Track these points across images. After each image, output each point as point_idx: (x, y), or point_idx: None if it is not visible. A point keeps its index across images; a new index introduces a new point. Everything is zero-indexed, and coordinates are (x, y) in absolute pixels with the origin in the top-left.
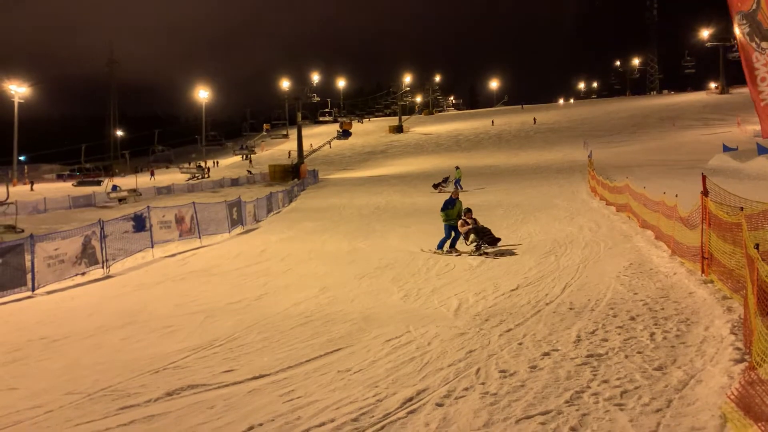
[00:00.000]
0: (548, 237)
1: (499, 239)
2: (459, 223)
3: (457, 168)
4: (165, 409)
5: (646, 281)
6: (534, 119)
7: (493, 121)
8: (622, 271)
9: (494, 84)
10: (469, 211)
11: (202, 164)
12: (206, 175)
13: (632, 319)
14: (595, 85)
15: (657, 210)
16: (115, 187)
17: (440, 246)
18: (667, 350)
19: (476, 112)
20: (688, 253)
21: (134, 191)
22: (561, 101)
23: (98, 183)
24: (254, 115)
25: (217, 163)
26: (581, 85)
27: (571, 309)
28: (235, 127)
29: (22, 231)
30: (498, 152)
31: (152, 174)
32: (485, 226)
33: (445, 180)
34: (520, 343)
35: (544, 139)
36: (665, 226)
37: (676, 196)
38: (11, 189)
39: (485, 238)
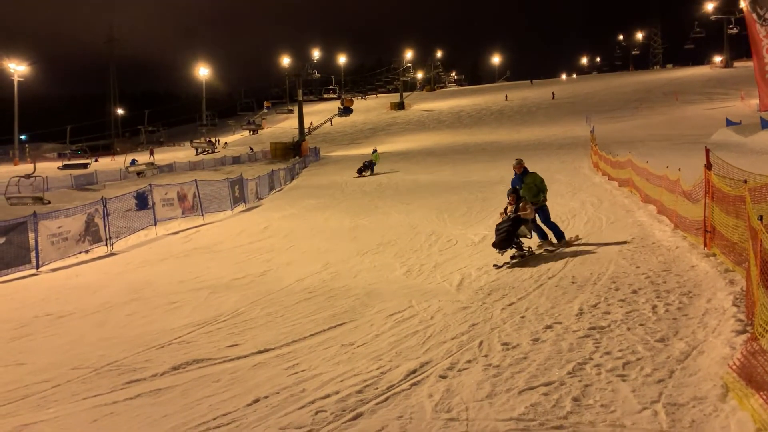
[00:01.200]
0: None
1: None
2: (520, 207)
3: (375, 151)
4: (171, 383)
5: (648, 255)
6: (552, 93)
7: (507, 96)
8: (624, 246)
9: (496, 59)
10: (510, 192)
11: (213, 139)
12: (216, 150)
13: (634, 292)
14: (597, 60)
15: (659, 184)
16: (133, 161)
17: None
18: (669, 322)
19: (478, 88)
20: (690, 227)
21: (152, 164)
22: (563, 76)
23: (85, 166)
24: (250, 94)
25: (226, 143)
26: (584, 60)
27: (573, 283)
28: (229, 105)
29: (49, 202)
30: (500, 128)
31: (151, 153)
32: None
33: (366, 166)
34: (522, 317)
35: (546, 115)
36: (668, 200)
37: (679, 170)
38: (15, 168)
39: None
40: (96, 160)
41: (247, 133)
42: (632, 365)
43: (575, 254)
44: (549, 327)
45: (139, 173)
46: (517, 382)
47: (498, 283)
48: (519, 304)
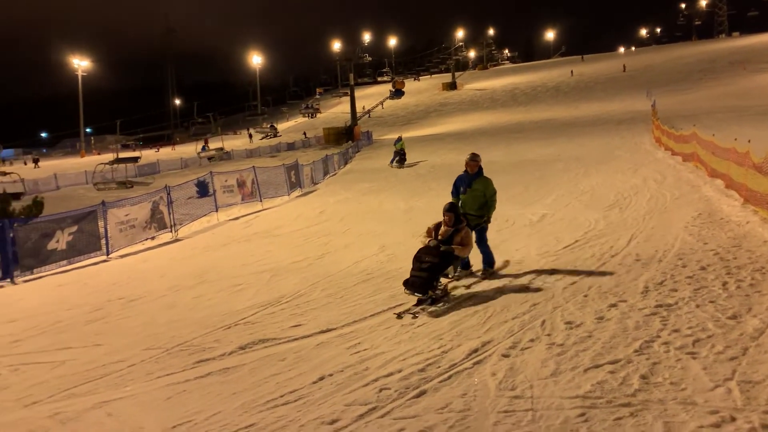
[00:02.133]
0: (611, 189)
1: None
2: (459, 238)
3: (400, 140)
4: (239, 362)
5: (716, 231)
6: (624, 66)
7: (572, 72)
8: (690, 222)
9: (551, 35)
10: (448, 209)
11: (275, 125)
12: (279, 134)
13: (703, 269)
14: (657, 31)
15: (727, 158)
16: (204, 147)
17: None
18: (741, 299)
19: (533, 64)
20: (762, 201)
21: (221, 149)
22: (621, 50)
23: (136, 160)
24: (299, 82)
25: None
26: (643, 32)
27: (637, 260)
28: (281, 94)
29: (132, 186)
30: (556, 105)
31: (206, 143)
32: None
33: (399, 158)
34: (585, 295)
35: (604, 90)
36: (736, 173)
37: (749, 142)
38: (81, 160)
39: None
40: (157, 150)
41: (300, 118)
42: (703, 343)
43: (639, 232)
44: (613, 305)
45: (210, 158)
46: (582, 360)
47: (558, 262)
48: (581, 283)
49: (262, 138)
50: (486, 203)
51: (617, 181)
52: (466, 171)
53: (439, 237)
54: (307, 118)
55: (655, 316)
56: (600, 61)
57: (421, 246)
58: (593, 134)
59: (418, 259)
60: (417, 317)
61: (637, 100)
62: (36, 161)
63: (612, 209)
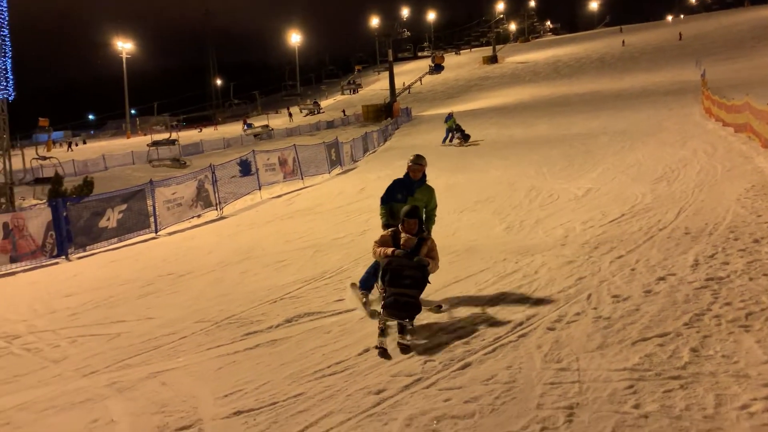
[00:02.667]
0: (659, 162)
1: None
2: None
3: (451, 116)
4: (285, 335)
5: None
6: (680, 34)
7: (624, 42)
8: (742, 194)
9: (594, 5)
10: (412, 213)
11: (318, 101)
12: (321, 111)
13: (756, 241)
14: None
15: None
16: (249, 125)
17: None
18: None
19: (576, 36)
20: None
21: (266, 127)
22: (669, 18)
23: (173, 142)
24: (336, 60)
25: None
26: None
27: (686, 234)
28: (315, 73)
29: (185, 164)
30: (601, 77)
31: (245, 122)
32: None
33: (456, 130)
34: (632, 269)
35: (652, 61)
36: None
37: None
38: (127, 141)
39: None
40: (200, 131)
41: (339, 96)
42: (756, 316)
43: (688, 205)
44: (662, 279)
45: (256, 135)
46: (629, 333)
47: (605, 236)
48: (628, 257)
49: (306, 114)
50: (427, 216)
51: (665, 153)
52: (407, 175)
53: (401, 248)
54: (348, 95)
55: (705, 289)
56: (647, 30)
57: (383, 257)
58: (640, 106)
59: (395, 273)
60: (408, 347)
61: (686, 70)
62: (69, 145)
63: (660, 182)
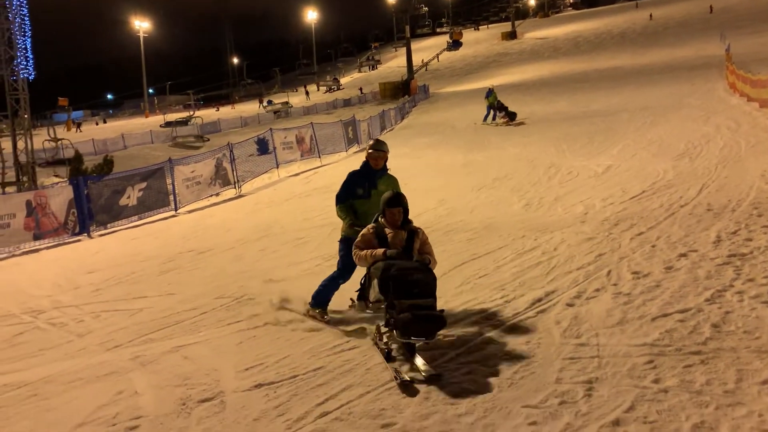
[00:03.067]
0: (681, 139)
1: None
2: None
3: (491, 91)
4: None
5: None
6: (710, 7)
7: (651, 15)
8: (767, 170)
9: None
10: (395, 200)
11: (338, 77)
12: (341, 87)
13: None
14: None
15: None
16: (270, 101)
17: None
18: None
19: (597, 10)
20: None
21: (286, 104)
22: None
23: (186, 122)
24: (351, 38)
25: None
26: None
27: (709, 210)
28: (332, 51)
29: (208, 140)
30: (622, 53)
31: (260, 101)
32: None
33: (499, 108)
34: (653, 246)
35: (675, 35)
36: None
37: None
38: (146, 120)
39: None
40: (217, 110)
41: (356, 74)
42: None
43: (711, 181)
44: (683, 255)
45: (276, 112)
46: (649, 309)
47: (625, 213)
48: (649, 234)
49: (326, 91)
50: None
51: (687, 129)
52: (366, 165)
53: (390, 248)
54: (367, 71)
55: (728, 265)
56: (672, 3)
57: (372, 261)
58: (662, 82)
59: (399, 281)
60: (440, 375)
61: (711, 45)
62: (78, 126)
63: (682, 159)
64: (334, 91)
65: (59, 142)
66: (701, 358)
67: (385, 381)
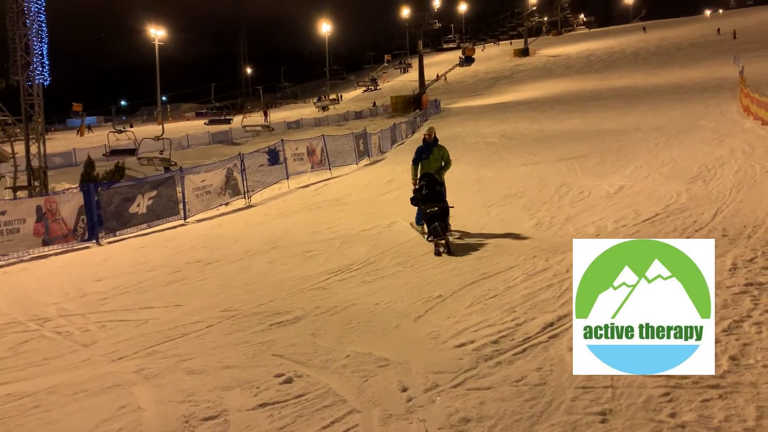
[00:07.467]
0: (695, 161)
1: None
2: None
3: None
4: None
5: None
6: (718, 30)
7: (644, 28)
8: None
9: None
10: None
11: (335, 96)
12: (378, 87)
13: None
14: None
15: None
16: (319, 98)
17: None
18: None
19: (610, 29)
20: None
21: (334, 101)
22: (707, 13)
23: (228, 121)
24: (374, 47)
25: (341, 96)
26: None
27: (724, 236)
28: (356, 60)
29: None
30: (635, 72)
31: (266, 115)
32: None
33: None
34: None
35: (688, 56)
36: None
37: None
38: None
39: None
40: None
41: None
42: None
43: (725, 206)
44: None
45: (324, 108)
46: None
47: (638, 236)
48: None
49: (365, 91)
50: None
51: (701, 152)
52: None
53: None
54: (370, 91)
55: (745, 294)
56: (683, 25)
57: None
58: (675, 103)
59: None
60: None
61: (724, 66)
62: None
63: (695, 181)
64: (372, 91)
65: (122, 133)
66: (719, 392)
67: (392, 413)
